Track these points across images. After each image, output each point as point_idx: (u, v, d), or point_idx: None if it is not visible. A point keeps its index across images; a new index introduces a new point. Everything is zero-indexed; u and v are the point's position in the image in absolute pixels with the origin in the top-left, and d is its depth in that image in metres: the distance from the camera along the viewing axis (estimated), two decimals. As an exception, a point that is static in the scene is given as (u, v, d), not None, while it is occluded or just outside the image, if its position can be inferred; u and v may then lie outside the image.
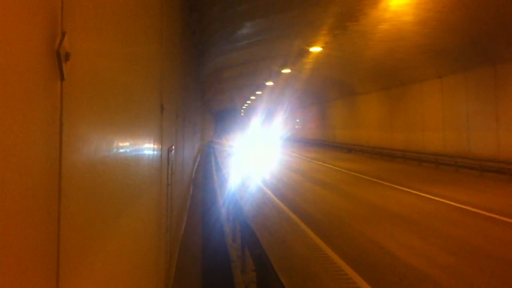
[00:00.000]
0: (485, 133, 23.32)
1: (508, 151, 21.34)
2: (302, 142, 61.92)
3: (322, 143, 52.90)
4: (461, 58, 23.72)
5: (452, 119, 26.49)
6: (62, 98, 1.49)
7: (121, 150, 2.42)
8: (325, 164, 30.13)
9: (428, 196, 15.79)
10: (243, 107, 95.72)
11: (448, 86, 26.82)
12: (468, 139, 24.84)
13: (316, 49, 25.42)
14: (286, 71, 33.73)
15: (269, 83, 43.50)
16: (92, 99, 1.88)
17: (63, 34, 1.48)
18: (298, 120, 72.34)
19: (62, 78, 1.48)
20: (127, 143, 2.62)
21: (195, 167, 24.37)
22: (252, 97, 65.46)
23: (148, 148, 3.59)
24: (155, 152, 3.97)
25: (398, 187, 18.27)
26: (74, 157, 1.62)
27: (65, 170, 1.49)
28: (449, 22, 18.95)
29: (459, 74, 25.29)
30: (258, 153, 36.82)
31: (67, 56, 1.50)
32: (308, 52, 26.70)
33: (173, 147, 5.91)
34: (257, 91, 54.24)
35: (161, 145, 4.36)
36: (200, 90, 28.39)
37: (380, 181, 20.26)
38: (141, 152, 3.19)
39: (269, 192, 17.60)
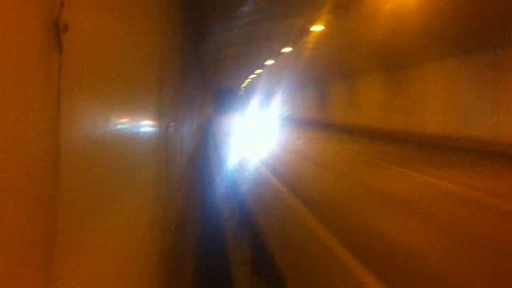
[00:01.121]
0: (485, 116, 23.30)
1: (508, 134, 21.35)
2: (302, 122, 61.83)
3: (321, 123, 52.86)
4: (464, 41, 23.55)
5: (452, 102, 26.45)
6: (60, 70, 1.46)
7: (119, 126, 2.39)
8: (325, 145, 30.14)
9: (428, 178, 15.80)
10: (243, 86, 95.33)
11: (449, 69, 26.70)
12: (468, 122, 24.83)
13: (317, 27, 25.17)
14: (287, 50, 33.47)
15: (269, 62, 43.23)
16: (90, 72, 1.84)
17: (62, 4, 1.45)
18: (297, 100, 72.09)
19: (60, 50, 1.45)
20: (126, 119, 2.59)
21: (193, 145, 24.36)
22: (252, 76, 65.17)
23: (147, 124, 3.56)
24: (154, 129, 3.94)
25: (397, 168, 18.27)
26: (73, 131, 1.59)
27: (63, 145, 1.46)
28: (454, 3, 18.76)
29: (460, 56, 25.15)
30: (257, 133, 36.79)
31: (66, 27, 1.46)
32: (309, 31, 26.45)
33: (172, 123, 5.88)
34: (257, 70, 53.97)
35: (160, 122, 4.34)
36: (200, 69, 28.24)
37: (380, 162, 20.26)
38: (139, 129, 3.17)
39: (267, 172, 17.62)
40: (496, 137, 21.81)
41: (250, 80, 73.73)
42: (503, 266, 7.33)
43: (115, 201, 2.34)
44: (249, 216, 7.82)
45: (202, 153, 22.86)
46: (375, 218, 10.20)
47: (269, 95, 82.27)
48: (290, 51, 34.21)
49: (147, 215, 3.89)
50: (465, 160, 21.47)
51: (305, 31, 26.48)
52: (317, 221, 9.97)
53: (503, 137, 21.40)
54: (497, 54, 21.92)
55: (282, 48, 33.02)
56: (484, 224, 9.94)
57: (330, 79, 50.40)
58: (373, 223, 9.79)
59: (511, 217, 10.62)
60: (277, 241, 8.24)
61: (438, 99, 27.70)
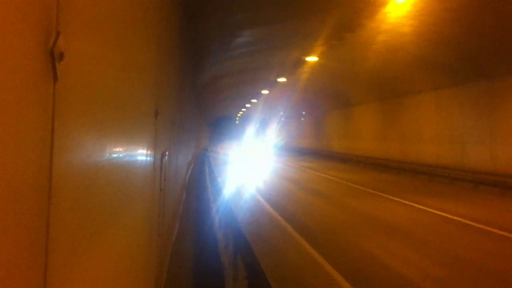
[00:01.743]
0: (479, 147, 23.42)
1: (502, 164, 21.42)
2: (297, 151, 61.93)
3: (317, 152, 52.95)
4: (457, 72, 23.86)
5: (447, 132, 26.62)
6: (54, 99, 1.46)
7: (114, 154, 2.39)
8: (320, 174, 30.13)
9: (422, 207, 15.78)
10: (238, 115, 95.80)
11: (443, 99, 26.97)
12: (463, 152, 24.94)
13: (312, 58, 25.49)
14: (282, 80, 33.80)
15: (265, 92, 43.58)
16: (85, 101, 1.85)
17: (58, 33, 1.46)
18: (293, 129, 72.38)
19: (55, 78, 1.45)
20: (120, 147, 2.59)
21: (188, 174, 24.29)
22: (248, 105, 65.55)
23: (142, 153, 3.56)
24: (149, 157, 3.94)
25: (392, 198, 18.25)
26: (66, 160, 1.59)
27: (56, 174, 1.46)
28: (446, 35, 19.07)
29: (455, 87, 25.44)
30: (253, 162, 36.81)
31: (61, 56, 1.47)
32: (304, 62, 26.78)
33: (167, 152, 5.88)
34: (253, 99, 54.34)
35: (155, 150, 4.33)
36: (196, 98, 28.38)
37: (375, 192, 20.25)
38: (134, 157, 3.16)
39: (262, 200, 17.55)
40: (490, 167, 21.89)
41: (246, 109, 74.16)
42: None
43: (108, 230, 2.32)
44: (241, 238, 7.79)
45: (198, 182, 22.77)
46: (353, 236, 10.16)
47: (264, 124, 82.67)
48: (286, 81, 34.54)
49: (143, 243, 3.86)
50: (456, 190, 21.49)
51: (300, 62, 26.81)
52: (311, 247, 9.92)
53: (497, 167, 21.48)
54: (491, 85, 22.18)
55: (277, 78, 33.35)
56: (454, 240, 11.04)
57: (326, 109, 50.78)
58: (350, 239, 9.76)
59: (485, 235, 11.56)
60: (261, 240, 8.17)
61: (432, 128, 27.90)
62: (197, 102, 30.96)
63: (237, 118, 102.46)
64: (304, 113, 61.97)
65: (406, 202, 17.01)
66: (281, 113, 67.55)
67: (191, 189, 20.34)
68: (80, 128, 1.77)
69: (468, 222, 13.19)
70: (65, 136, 1.56)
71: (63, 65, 1.49)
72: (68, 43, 1.53)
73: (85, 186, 1.82)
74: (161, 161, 5.07)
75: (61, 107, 1.51)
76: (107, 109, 2.24)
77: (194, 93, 24.91)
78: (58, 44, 1.44)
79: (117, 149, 2.49)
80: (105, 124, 2.20)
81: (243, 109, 75.93)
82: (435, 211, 14.97)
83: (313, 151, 55.02)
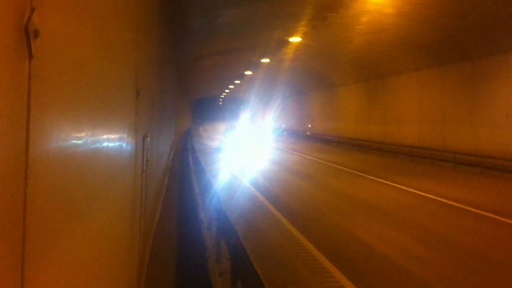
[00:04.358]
0: (460, 128, 23.67)
1: (482, 145, 21.71)
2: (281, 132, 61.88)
3: (300, 134, 53.07)
4: (439, 52, 23.97)
5: (428, 113, 26.82)
6: (30, 77, 1.42)
7: (93, 135, 2.34)
8: (303, 155, 30.26)
9: (403, 187, 15.97)
10: (221, 96, 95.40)
11: (425, 80, 27.11)
12: (444, 133, 25.20)
13: (295, 39, 25.37)
14: (265, 60, 33.64)
15: (248, 73, 43.36)
16: (63, 80, 1.80)
17: (33, 9, 1.41)
18: (277, 110, 72.27)
19: (30, 56, 1.41)
20: (101, 128, 2.55)
21: (171, 156, 24.20)
22: (231, 86, 65.23)
23: (123, 134, 3.51)
24: (130, 138, 3.89)
25: (374, 178, 18.44)
26: (43, 142, 1.55)
27: (32, 156, 1.42)
28: (428, 16, 19.10)
29: (436, 68, 25.58)
30: (234, 143, 36.69)
31: (36, 33, 1.43)
32: (287, 42, 26.64)
33: (149, 133, 5.83)
34: (236, 80, 54.05)
35: (136, 131, 4.29)
36: (178, 78, 28.14)
37: (357, 173, 20.43)
38: (115, 138, 3.12)
39: (245, 181, 17.58)
40: (470, 147, 22.16)
41: (229, 90, 73.85)
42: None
43: (90, 211, 2.29)
44: (224, 220, 7.81)
45: (181, 161, 22.72)
46: (335, 216, 10.28)
47: (247, 105, 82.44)
48: (269, 62, 34.38)
49: (125, 223, 3.83)
50: (437, 170, 21.80)
51: (284, 42, 26.66)
52: (294, 228, 10.00)
53: (477, 148, 21.75)
54: (472, 66, 22.32)
55: (261, 59, 33.16)
56: (434, 219, 11.25)
57: (309, 90, 50.73)
58: (332, 219, 9.87)
59: (456, 211, 12.04)
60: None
61: (414, 109, 28.07)
62: (179, 83, 30.71)
63: (220, 100, 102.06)
64: (288, 94, 61.84)
65: (388, 182, 17.20)
66: (264, 95, 67.24)
67: (175, 169, 20.23)
68: (58, 107, 1.72)
69: (448, 201, 13.39)
70: (42, 116, 1.52)
71: (38, 42, 1.44)
72: (43, 20, 1.49)
73: (63, 167, 1.78)
74: (143, 142, 5.02)
75: (37, 86, 1.46)
76: (86, 89, 2.19)
77: (176, 73, 24.67)
78: (32, 20, 1.39)
79: (97, 130, 2.44)
80: (84, 104, 2.16)
81: (227, 90, 75.64)
82: (415, 191, 15.17)
83: (297, 132, 55.11)
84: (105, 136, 2.68)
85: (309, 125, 51.81)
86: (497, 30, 18.80)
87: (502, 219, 11.25)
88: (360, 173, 20.09)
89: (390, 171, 20.80)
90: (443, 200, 13.63)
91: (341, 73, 37.79)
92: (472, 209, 12.32)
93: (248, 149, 31.60)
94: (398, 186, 16.34)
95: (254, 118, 73.01)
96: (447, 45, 22.50)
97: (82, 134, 2.09)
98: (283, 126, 64.60)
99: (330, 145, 39.74)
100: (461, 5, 17.49)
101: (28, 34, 1.37)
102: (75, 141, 1.95)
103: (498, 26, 18.49)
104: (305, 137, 49.69)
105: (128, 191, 3.97)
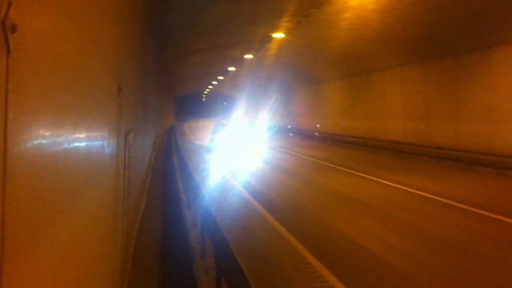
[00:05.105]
0: (444, 123, 23.89)
1: (466, 140, 21.96)
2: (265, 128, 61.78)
3: (285, 130, 53.15)
4: (422, 49, 24.15)
5: (412, 108, 27.03)
6: (7, 73, 1.39)
7: (74, 132, 2.31)
8: (287, 151, 30.32)
9: (387, 182, 16.10)
10: (205, 93, 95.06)
11: (408, 76, 27.31)
12: (428, 128, 25.42)
13: (279, 35, 25.36)
14: (249, 56, 33.58)
15: (232, 69, 43.25)
16: (42, 76, 1.77)
17: (10, 3, 1.38)
18: (262, 106, 72.19)
19: (8, 51, 1.38)
20: (81, 125, 2.52)
21: (154, 153, 24.04)
22: (214, 82, 64.99)
23: (104, 131, 3.48)
24: (112, 135, 3.85)
25: (358, 173, 18.56)
26: (21, 139, 1.52)
27: (10, 154, 1.39)
28: (411, 12, 19.22)
29: (420, 64, 25.78)
30: (219, 139, 36.61)
31: (14, 28, 1.40)
32: (271, 39, 26.63)
33: (131, 130, 5.78)
34: (219, 76, 53.87)
35: (118, 128, 4.25)
36: (162, 75, 27.95)
37: (342, 168, 20.54)
38: (96, 135, 3.08)
39: (229, 177, 17.56)
40: (454, 143, 22.40)
41: (213, 87, 73.56)
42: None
43: (70, 209, 2.26)
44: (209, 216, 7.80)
45: (165, 158, 22.59)
46: (320, 211, 10.35)
47: (232, 101, 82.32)
48: (252, 58, 34.34)
49: (107, 220, 3.80)
50: (421, 165, 22.04)
51: (267, 39, 26.63)
52: (278, 224, 10.03)
53: (460, 143, 22.01)
54: (455, 62, 22.54)
55: (244, 55, 33.09)
56: (417, 213, 11.36)
57: (293, 86, 50.78)
58: (317, 214, 9.93)
59: (440, 206, 12.35)
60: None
61: (398, 105, 28.27)
62: (164, 79, 30.52)
63: (204, 96, 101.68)
64: (271, 90, 61.82)
65: (372, 177, 17.32)
66: (249, 91, 67.07)
67: (158, 165, 20.07)
68: (37, 103, 1.69)
69: (431, 196, 13.53)
70: (20, 112, 1.49)
71: (16, 37, 1.42)
72: (21, 15, 1.46)
73: (43, 165, 1.76)
74: (125, 139, 4.98)
75: (15, 82, 1.43)
76: (66, 85, 2.16)
77: (160, 70, 24.51)
78: (10, 15, 1.37)
79: (78, 126, 2.41)
80: (64, 100, 2.12)
81: (210, 87, 75.32)
82: (399, 186, 15.30)
83: (281, 129, 55.19)
84: (86, 133, 2.65)
85: (291, 123, 51.95)
86: (481, 25, 18.97)
87: (485, 213, 11.40)
88: (345, 169, 20.20)
89: (374, 167, 20.96)
90: (427, 194, 13.76)
91: (325, 69, 37.88)
92: (455, 204, 12.46)
93: (240, 148, 31.22)
94: (383, 181, 16.47)
95: (242, 115, 72.77)
96: (431, 41, 22.69)
97: (63, 131, 2.06)
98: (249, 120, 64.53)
99: (315, 141, 39.91)
100: (444, 1, 17.62)
101: (5, 29, 1.34)
102: (55, 138, 1.92)
103: (481, 22, 18.64)
104: (289, 132, 49.77)
105: (110, 188, 3.94)
